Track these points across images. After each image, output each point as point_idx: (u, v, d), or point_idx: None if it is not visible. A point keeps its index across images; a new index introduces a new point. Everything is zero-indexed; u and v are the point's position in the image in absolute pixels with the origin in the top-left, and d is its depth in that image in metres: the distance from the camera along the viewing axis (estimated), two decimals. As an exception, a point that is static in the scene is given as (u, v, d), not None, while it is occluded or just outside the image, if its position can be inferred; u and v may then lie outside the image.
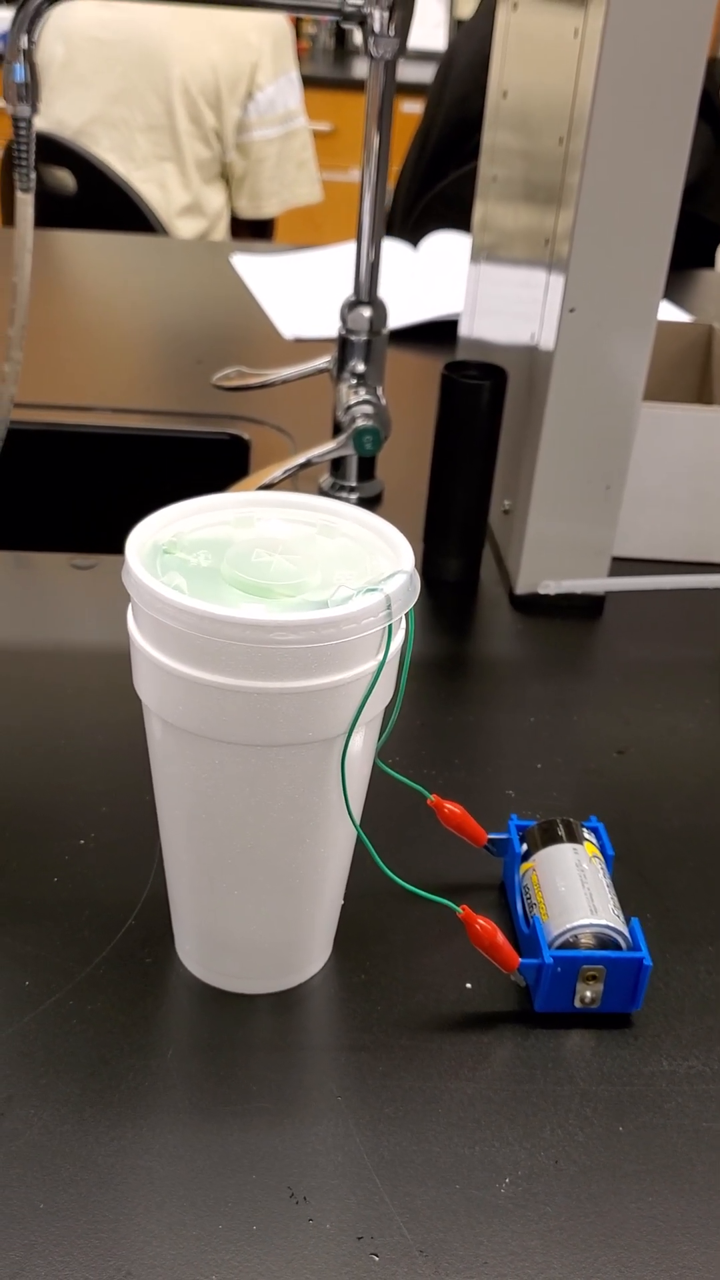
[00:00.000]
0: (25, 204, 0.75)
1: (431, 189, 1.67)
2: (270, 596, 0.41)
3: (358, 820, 0.45)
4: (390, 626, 0.41)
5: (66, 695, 0.66)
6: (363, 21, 0.73)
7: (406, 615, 0.42)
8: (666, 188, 0.65)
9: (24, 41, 0.71)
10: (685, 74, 0.63)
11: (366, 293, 0.83)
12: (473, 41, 1.72)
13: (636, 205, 0.66)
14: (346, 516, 0.46)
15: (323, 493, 0.89)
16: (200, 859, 0.45)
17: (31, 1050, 0.45)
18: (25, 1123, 0.42)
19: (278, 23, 2.03)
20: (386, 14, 0.73)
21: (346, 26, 0.73)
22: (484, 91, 1.65)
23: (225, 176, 2.06)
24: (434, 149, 1.72)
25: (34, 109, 0.73)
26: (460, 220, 1.41)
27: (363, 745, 0.44)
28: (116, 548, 0.75)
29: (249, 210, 2.10)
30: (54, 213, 1.75)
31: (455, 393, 0.75)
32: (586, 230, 0.66)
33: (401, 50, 0.74)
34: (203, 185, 2.02)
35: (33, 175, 0.74)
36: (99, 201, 1.89)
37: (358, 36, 0.78)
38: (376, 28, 0.73)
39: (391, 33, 0.73)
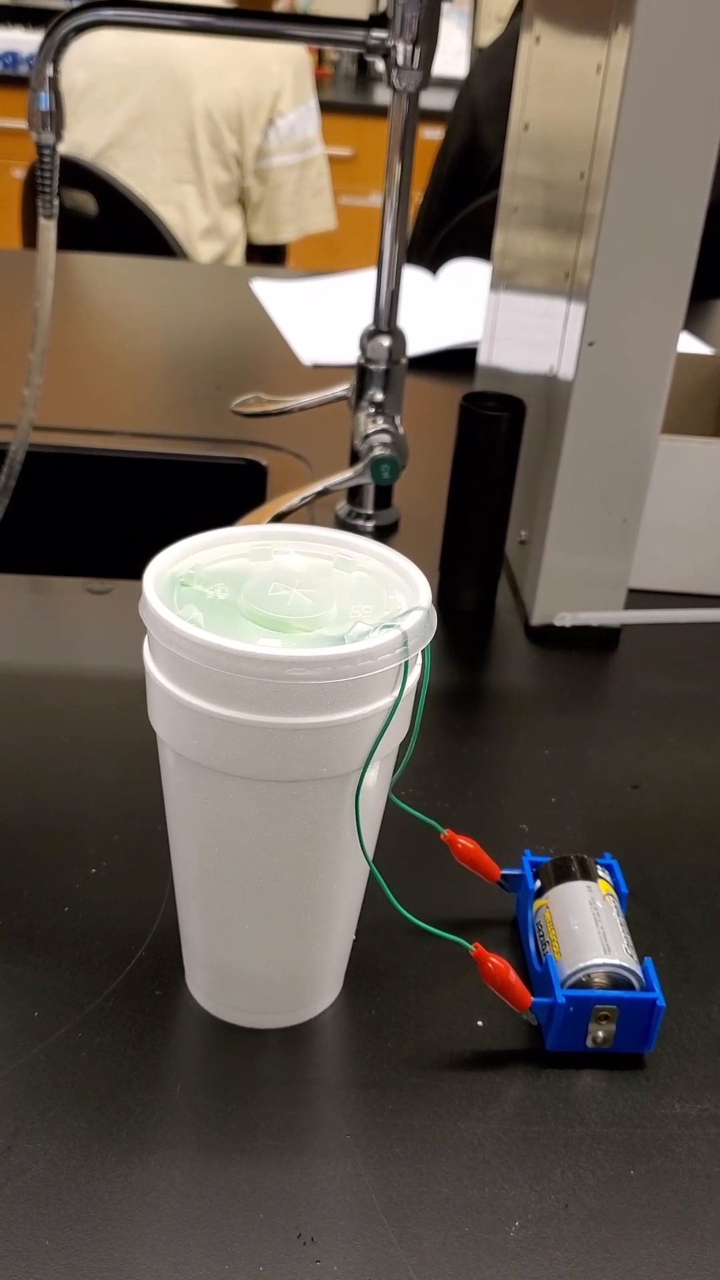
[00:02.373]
0: (48, 230, 0.75)
1: (452, 217, 1.68)
2: (287, 630, 0.41)
3: (371, 855, 0.44)
4: (407, 663, 0.41)
5: (80, 720, 0.66)
6: (386, 54, 0.73)
7: (423, 651, 0.42)
8: (688, 221, 0.65)
9: (49, 70, 0.71)
10: (708, 108, 0.63)
11: (386, 322, 0.83)
12: (494, 68, 1.73)
13: (658, 239, 0.66)
14: (364, 550, 0.46)
15: (339, 520, 0.89)
16: (212, 892, 0.45)
17: (40, 1082, 0.45)
18: (32, 1157, 0.42)
19: (298, 52, 2.05)
20: (411, 47, 0.73)
21: (370, 59, 0.73)
22: (499, 119, 1.66)
23: (241, 202, 2.08)
24: (452, 177, 1.73)
25: (58, 136, 0.73)
26: (481, 248, 1.42)
27: (377, 780, 0.44)
28: (133, 572, 0.75)
29: (265, 236, 2.12)
30: (75, 235, 1.76)
31: (474, 424, 0.75)
32: (607, 265, 0.66)
33: (425, 83, 0.74)
34: (221, 209, 2.03)
35: (56, 202, 0.74)
36: (120, 224, 1.90)
37: (380, 64, 0.79)
38: (400, 60, 0.73)
39: (415, 65, 0.73)
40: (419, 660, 0.43)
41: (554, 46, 0.77)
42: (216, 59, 1.93)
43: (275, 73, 1.97)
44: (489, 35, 3.35)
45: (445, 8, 0.74)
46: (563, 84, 0.74)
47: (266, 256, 2.20)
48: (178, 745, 0.42)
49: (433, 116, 2.85)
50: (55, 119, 0.72)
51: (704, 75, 0.62)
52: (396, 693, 0.41)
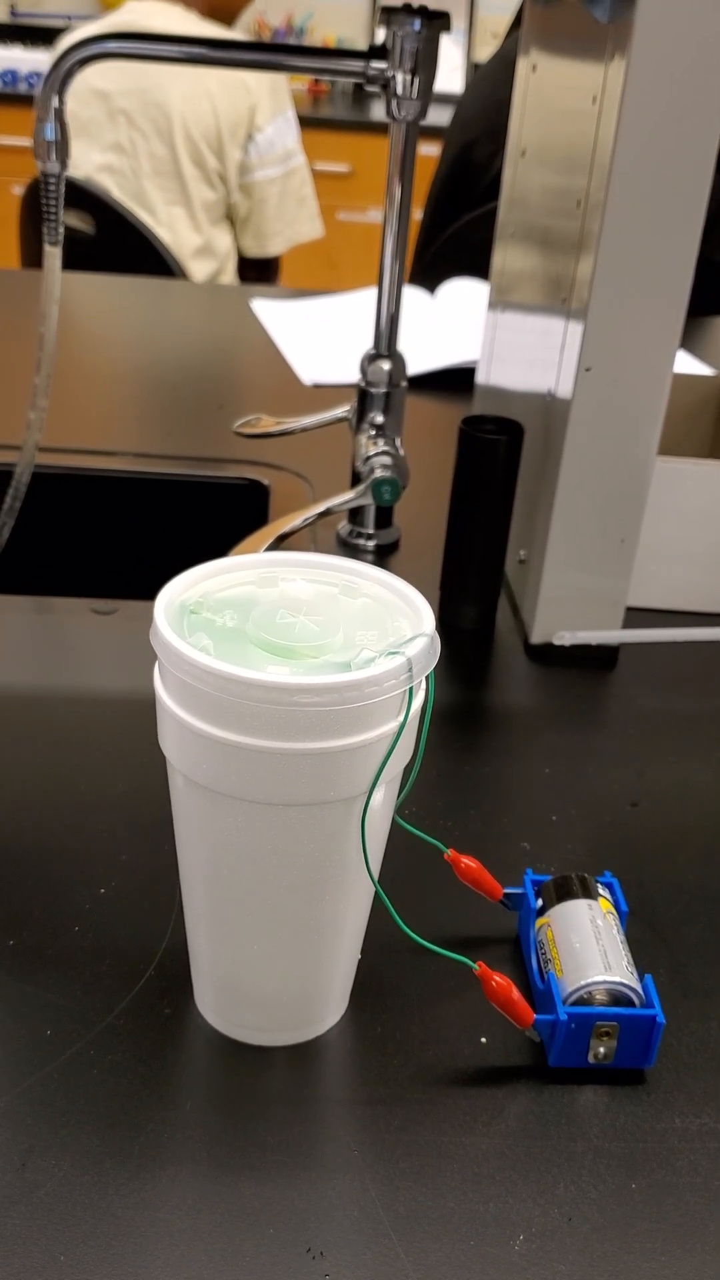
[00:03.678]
0: (53, 257, 0.76)
1: (443, 233, 1.69)
2: (294, 657, 0.42)
3: (376, 877, 0.45)
4: (411, 689, 0.42)
5: (87, 741, 0.67)
6: (386, 84, 0.74)
7: (427, 677, 0.43)
8: (684, 245, 0.66)
9: (55, 101, 0.72)
10: (702, 134, 0.64)
11: (386, 345, 0.85)
12: (484, 87, 1.75)
13: (654, 262, 0.67)
14: (368, 577, 0.47)
15: (341, 540, 0.91)
16: (220, 913, 0.46)
17: (53, 1100, 0.46)
18: (46, 1174, 0.43)
19: None
20: (410, 76, 0.74)
21: (370, 89, 0.75)
22: (492, 137, 1.68)
23: (230, 217, 2.10)
24: (444, 193, 1.74)
25: (63, 166, 0.74)
26: (472, 262, 1.43)
27: (383, 803, 0.45)
28: (137, 592, 0.76)
29: (254, 249, 2.14)
30: (73, 255, 1.77)
31: (473, 447, 0.76)
32: (604, 287, 0.67)
33: (424, 112, 0.75)
34: (210, 227, 2.05)
35: (61, 230, 0.75)
36: (117, 244, 1.91)
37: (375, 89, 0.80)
38: (400, 90, 0.74)
39: (415, 95, 0.74)
40: (423, 686, 0.44)
41: (550, 74, 0.79)
42: (192, 79, 1.94)
43: (251, 88, 1.98)
44: (486, 51, 3.38)
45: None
46: (559, 111, 0.75)
47: (260, 269, 2.21)
48: (187, 769, 0.43)
49: (430, 133, 2.87)
50: (60, 148, 0.74)
51: (698, 102, 0.63)
52: (401, 718, 0.42)
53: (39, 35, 3.38)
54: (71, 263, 1.69)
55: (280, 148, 2.06)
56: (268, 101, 2.01)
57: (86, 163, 1.97)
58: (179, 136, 1.95)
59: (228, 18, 2.08)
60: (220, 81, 1.96)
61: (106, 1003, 0.50)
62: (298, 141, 2.10)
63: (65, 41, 1.79)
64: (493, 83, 1.71)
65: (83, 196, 1.90)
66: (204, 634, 0.43)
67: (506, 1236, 0.43)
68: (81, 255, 1.83)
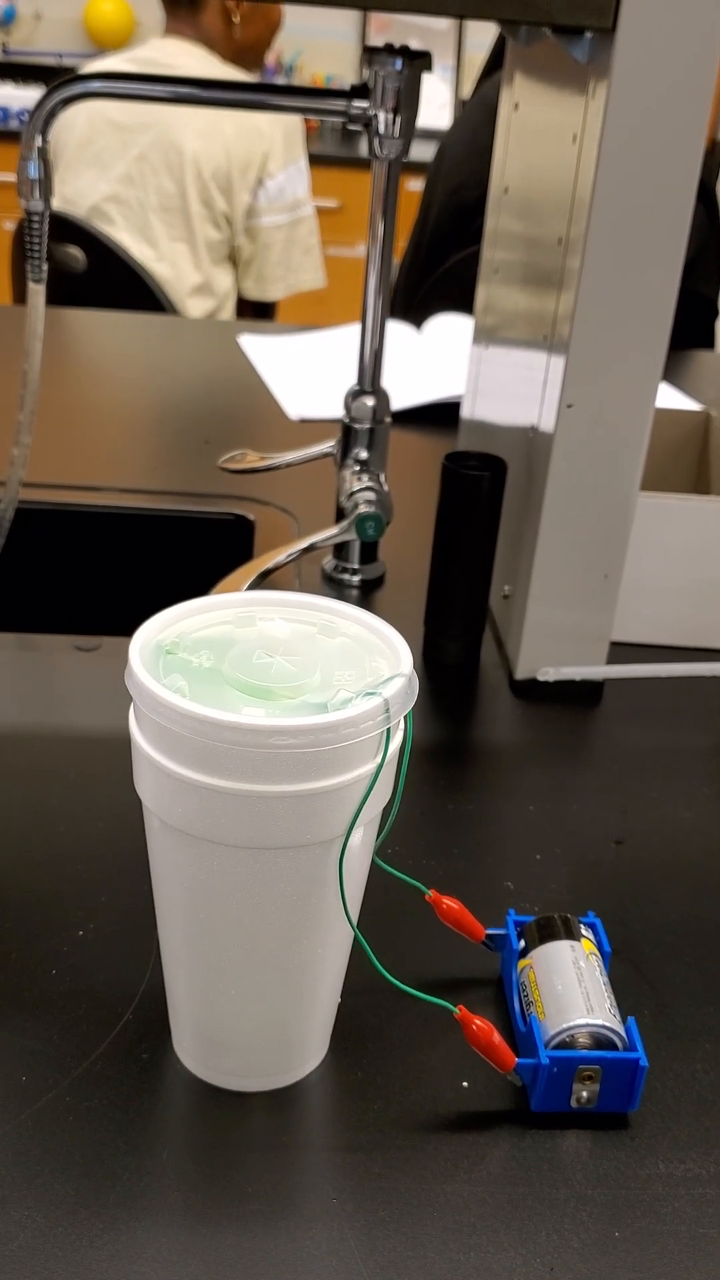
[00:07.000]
0: (37, 294, 0.76)
1: (432, 274, 1.70)
2: (271, 698, 0.42)
3: (355, 920, 0.45)
4: (389, 729, 0.42)
5: (67, 780, 0.67)
6: (368, 123, 0.75)
7: (405, 718, 0.43)
8: (664, 283, 0.67)
9: (38, 140, 0.72)
10: (682, 170, 0.64)
11: (370, 381, 0.85)
12: (465, 131, 1.77)
13: (635, 298, 0.67)
14: (346, 616, 0.47)
15: (326, 575, 0.90)
16: (197, 957, 0.46)
17: (27, 1148, 0.45)
18: (19, 1225, 0.42)
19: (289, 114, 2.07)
20: (391, 115, 0.74)
21: (353, 128, 0.75)
22: (478, 181, 1.70)
23: (233, 259, 2.11)
24: (432, 236, 1.75)
25: (47, 204, 0.74)
26: (464, 300, 1.44)
27: (361, 845, 0.44)
28: (120, 628, 0.75)
29: (254, 292, 2.14)
30: (64, 291, 1.77)
31: (456, 483, 0.76)
32: (586, 323, 0.67)
33: (406, 151, 0.76)
34: (212, 266, 2.05)
35: (45, 267, 0.76)
36: (108, 280, 1.92)
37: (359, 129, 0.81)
38: (382, 129, 0.75)
39: (397, 134, 0.75)
40: (401, 726, 0.43)
41: (532, 112, 0.79)
42: (208, 119, 1.96)
43: (265, 134, 1.99)
44: (472, 88, 3.41)
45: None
46: (541, 148, 0.76)
47: (258, 312, 2.22)
48: (163, 813, 0.42)
49: (415, 168, 2.89)
50: (44, 186, 0.74)
51: (676, 139, 0.64)
52: (379, 759, 0.42)
53: (30, 73, 3.41)
54: (64, 298, 1.69)
55: (290, 196, 2.07)
56: (281, 149, 2.02)
57: (95, 192, 1.98)
58: (189, 175, 1.96)
59: (252, 61, 2.09)
60: (235, 124, 1.97)
61: (83, 1048, 0.49)
62: (308, 192, 2.11)
63: (89, 69, 1.80)
64: (473, 126, 1.73)
65: (76, 232, 1.91)
66: (179, 675, 0.42)
67: (487, 1287, 0.42)
68: (73, 291, 1.83)
